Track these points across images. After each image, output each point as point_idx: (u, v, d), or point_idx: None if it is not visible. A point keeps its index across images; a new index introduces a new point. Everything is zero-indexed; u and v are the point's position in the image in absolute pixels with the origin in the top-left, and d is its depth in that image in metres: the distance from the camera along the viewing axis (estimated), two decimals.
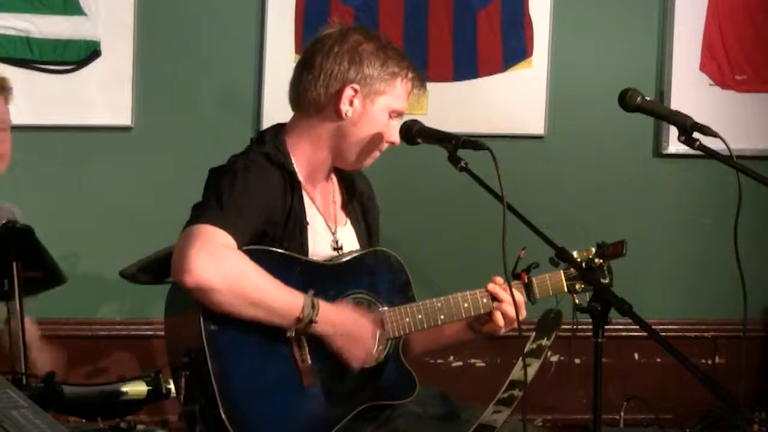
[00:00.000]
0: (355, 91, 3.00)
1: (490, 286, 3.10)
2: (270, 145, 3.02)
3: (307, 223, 3.01)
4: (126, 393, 3.26)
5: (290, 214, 2.96)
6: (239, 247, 2.83)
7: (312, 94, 3.04)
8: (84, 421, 3.31)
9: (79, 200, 4.50)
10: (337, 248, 3.08)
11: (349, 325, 2.93)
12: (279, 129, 3.09)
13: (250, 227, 2.88)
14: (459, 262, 4.62)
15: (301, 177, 3.02)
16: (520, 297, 3.10)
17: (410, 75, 3.05)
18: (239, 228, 2.84)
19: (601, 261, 3.23)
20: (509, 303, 3.07)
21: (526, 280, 3.14)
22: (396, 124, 3.06)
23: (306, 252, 2.99)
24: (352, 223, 3.16)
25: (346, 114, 3.00)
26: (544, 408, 4.71)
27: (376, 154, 3.08)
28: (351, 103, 3.00)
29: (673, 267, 4.90)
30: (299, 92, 3.06)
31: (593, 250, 3.23)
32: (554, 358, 4.71)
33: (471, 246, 4.62)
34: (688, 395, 4.68)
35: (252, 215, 2.89)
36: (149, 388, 3.30)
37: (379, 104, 3.02)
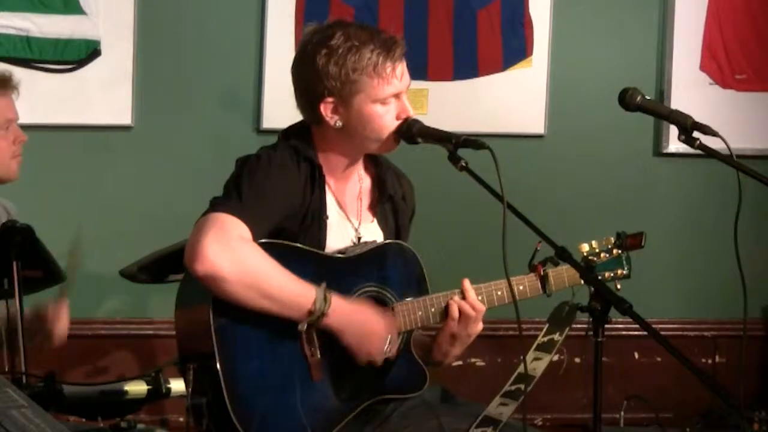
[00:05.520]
0: (331, 102, 2.95)
1: (456, 298, 3.05)
2: (297, 139, 3.01)
3: (327, 218, 3.00)
4: (126, 392, 3.27)
5: (309, 208, 2.96)
6: (254, 239, 2.82)
7: (301, 110, 3.05)
8: (84, 420, 3.31)
9: (79, 200, 4.50)
10: (359, 244, 3.07)
11: (361, 321, 2.91)
12: (306, 124, 3.06)
13: (267, 221, 2.87)
14: (459, 262, 4.62)
15: (325, 171, 3.01)
16: (481, 306, 3.06)
17: (373, 60, 2.93)
18: (256, 220, 2.83)
19: (620, 251, 3.22)
20: (469, 305, 3.04)
21: (542, 273, 3.13)
22: (398, 103, 2.98)
23: (323, 246, 2.98)
24: (379, 222, 3.13)
25: (336, 123, 2.98)
26: (544, 407, 4.71)
27: (395, 135, 3.01)
28: (335, 112, 2.96)
29: (673, 266, 4.91)
30: (297, 107, 3.07)
31: (612, 239, 3.23)
32: (555, 357, 4.71)
33: (471, 245, 4.62)
34: (689, 394, 4.68)
35: (271, 209, 2.88)
36: (149, 387, 3.31)
37: (359, 102, 2.96)
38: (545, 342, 3.05)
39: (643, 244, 3.22)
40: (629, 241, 3.21)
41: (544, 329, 3.07)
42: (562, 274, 3.16)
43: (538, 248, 3.04)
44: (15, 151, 3.43)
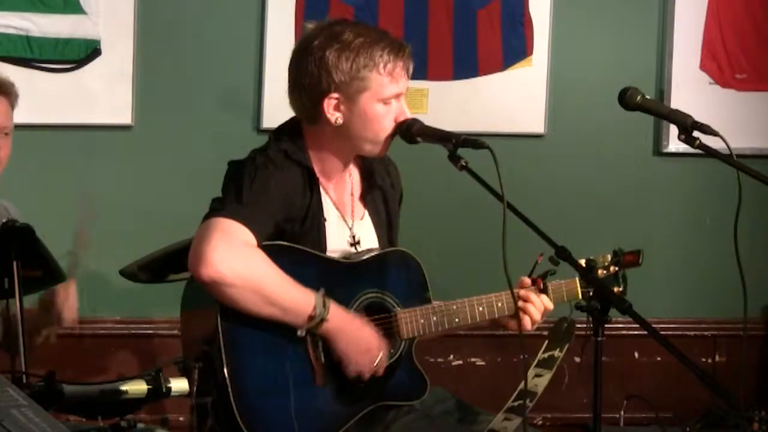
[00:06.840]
0: (336, 99, 2.95)
1: (522, 292, 3.10)
2: (288, 142, 3.00)
3: (325, 219, 3.00)
4: (126, 392, 3.26)
5: (308, 211, 2.96)
6: (258, 243, 2.83)
7: (298, 109, 3.03)
8: (84, 419, 3.31)
9: (80, 199, 4.49)
10: (354, 243, 3.07)
11: (356, 332, 2.92)
12: (297, 124, 3.06)
13: (269, 224, 2.88)
14: (459, 261, 4.62)
15: (318, 173, 3.01)
16: (550, 305, 3.11)
17: (384, 58, 2.94)
18: (258, 224, 2.84)
19: (616, 269, 3.20)
20: (538, 309, 3.09)
21: (542, 286, 3.13)
22: (398, 105, 3.00)
23: (323, 249, 2.98)
24: (370, 215, 3.13)
25: (336, 121, 2.97)
26: (544, 406, 4.71)
27: (389, 138, 3.02)
28: (337, 109, 2.96)
29: (673, 265, 4.90)
30: (291, 105, 3.05)
31: (609, 256, 3.21)
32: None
33: (471, 245, 4.62)
34: (689, 394, 4.68)
35: (271, 212, 2.88)
36: (149, 386, 3.29)
37: (364, 100, 2.95)
38: (546, 358, 3.06)
39: (640, 262, 3.19)
40: (626, 259, 3.20)
41: (544, 345, 3.08)
42: (561, 289, 3.18)
43: (539, 261, 3.05)
44: None
